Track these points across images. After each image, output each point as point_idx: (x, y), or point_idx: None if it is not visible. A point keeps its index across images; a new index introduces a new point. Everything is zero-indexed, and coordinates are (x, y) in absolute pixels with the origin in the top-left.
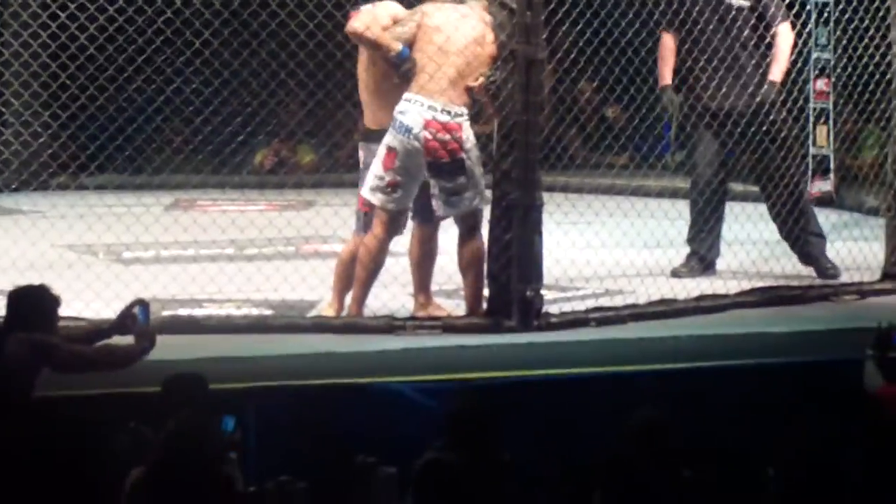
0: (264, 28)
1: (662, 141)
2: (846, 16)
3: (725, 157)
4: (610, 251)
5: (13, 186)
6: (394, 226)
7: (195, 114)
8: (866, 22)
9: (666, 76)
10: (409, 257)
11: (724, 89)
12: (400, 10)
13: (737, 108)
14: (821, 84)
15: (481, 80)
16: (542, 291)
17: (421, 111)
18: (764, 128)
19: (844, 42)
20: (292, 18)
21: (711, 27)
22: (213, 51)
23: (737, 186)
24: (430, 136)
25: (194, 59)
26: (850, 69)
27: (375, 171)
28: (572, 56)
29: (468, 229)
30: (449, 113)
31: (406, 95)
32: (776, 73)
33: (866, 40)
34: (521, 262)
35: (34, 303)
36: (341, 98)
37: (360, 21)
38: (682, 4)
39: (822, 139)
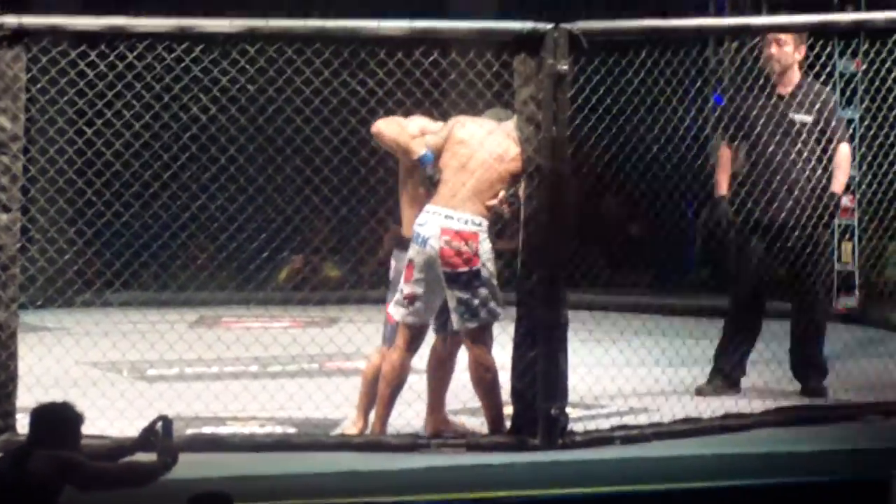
0: (290, 144)
1: (687, 259)
2: (871, 132)
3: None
4: (634, 369)
5: (38, 303)
6: (415, 341)
7: (220, 230)
8: (891, 138)
9: (723, 186)
10: (426, 372)
11: (777, 203)
12: (432, 125)
13: (789, 222)
14: (845, 200)
15: (502, 194)
16: (567, 409)
17: (438, 221)
18: (810, 242)
19: (869, 159)
20: (317, 134)
21: (774, 140)
22: (239, 166)
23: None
24: (445, 244)
25: (219, 175)
26: (874, 185)
27: (399, 284)
28: (598, 172)
29: (478, 344)
30: (466, 222)
31: (427, 207)
32: (837, 185)
33: (891, 157)
34: (545, 380)
35: (57, 420)
36: (366, 214)
37: (385, 122)
38: (746, 119)
39: (847, 255)
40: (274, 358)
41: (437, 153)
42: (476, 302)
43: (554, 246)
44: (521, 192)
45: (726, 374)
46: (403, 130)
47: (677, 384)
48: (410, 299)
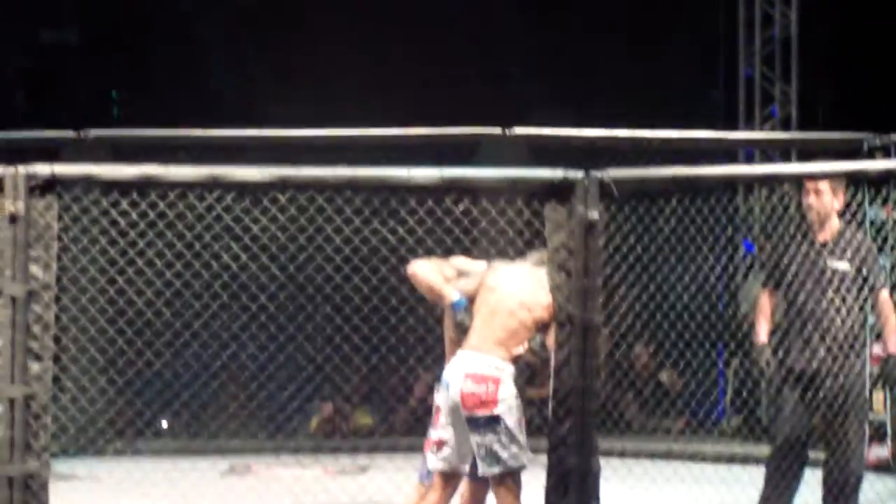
0: (320, 291)
1: (718, 406)
2: None
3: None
4: None
5: (70, 451)
6: (448, 486)
7: (251, 378)
8: None
9: (761, 334)
10: None
11: (811, 352)
12: (472, 265)
13: (822, 371)
14: (877, 349)
15: (527, 344)
16: None
17: (463, 366)
18: (844, 393)
19: None
20: (348, 282)
21: (812, 288)
22: (269, 314)
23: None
24: (466, 389)
25: (250, 323)
26: None
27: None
28: (628, 320)
29: (506, 491)
30: (489, 366)
31: (458, 352)
32: (893, 345)
33: None
34: None
35: None
36: (397, 362)
37: (421, 265)
38: (780, 265)
39: (879, 405)
40: None
41: (471, 298)
42: (497, 447)
43: (586, 394)
44: (549, 341)
45: None
46: (438, 275)
47: None
48: (439, 445)
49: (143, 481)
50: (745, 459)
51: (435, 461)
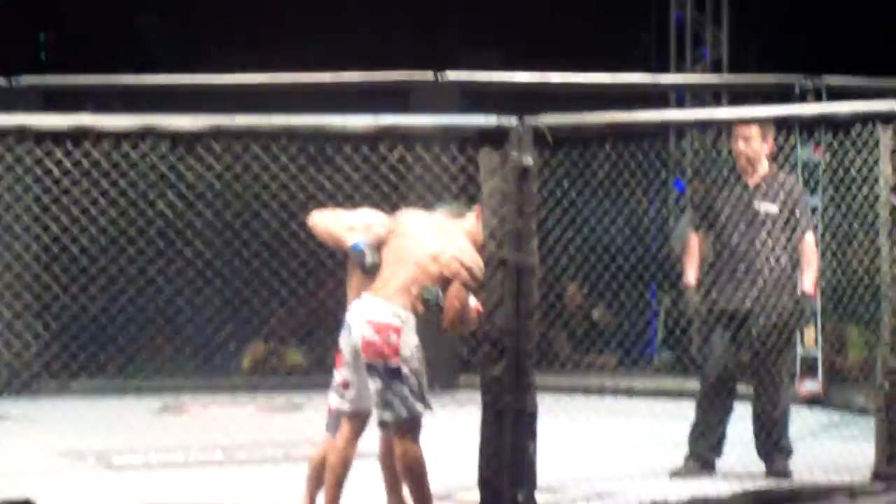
0: (257, 238)
1: (650, 342)
2: (834, 220)
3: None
4: (600, 452)
5: (3, 394)
6: (355, 427)
7: (184, 318)
8: (853, 225)
9: (690, 275)
10: (379, 460)
11: (742, 292)
12: (378, 217)
13: (753, 310)
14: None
15: (416, 291)
16: (535, 495)
17: (366, 312)
18: (773, 330)
19: (833, 246)
20: (285, 228)
21: (739, 230)
22: (203, 257)
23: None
24: (367, 336)
25: (185, 266)
26: (838, 272)
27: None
28: (562, 262)
29: (404, 435)
30: (391, 314)
31: (362, 295)
32: (808, 283)
33: (854, 243)
34: (513, 467)
35: None
36: (326, 298)
37: (318, 214)
38: (711, 208)
39: (810, 340)
40: (239, 446)
41: (380, 244)
42: (390, 396)
43: (520, 335)
44: (450, 295)
45: (701, 457)
46: (338, 221)
47: (644, 467)
48: (345, 386)
49: (77, 421)
50: (677, 394)
51: (340, 402)
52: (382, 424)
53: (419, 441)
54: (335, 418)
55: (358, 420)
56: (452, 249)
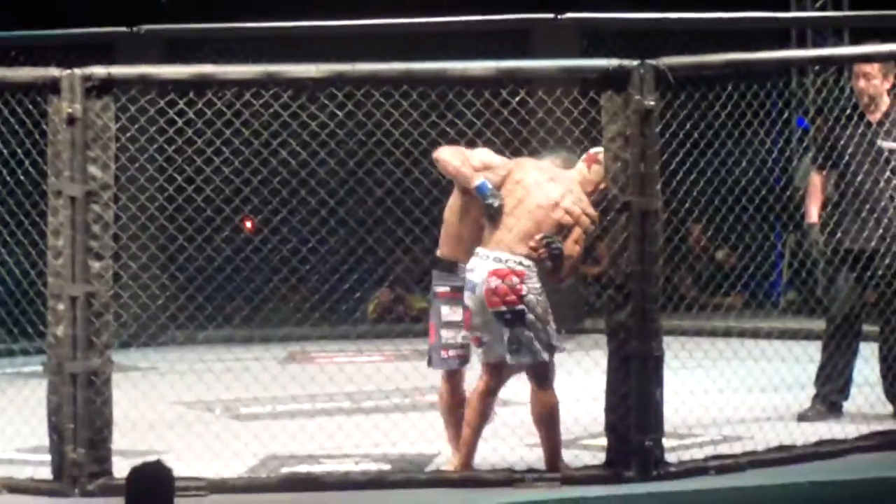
0: (380, 186)
1: (775, 283)
2: None
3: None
4: (726, 396)
5: (125, 341)
6: (496, 375)
7: (310, 270)
8: None
9: (812, 214)
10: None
11: (867, 231)
12: (496, 159)
13: (879, 250)
14: None
15: (538, 237)
16: (661, 440)
17: (486, 264)
18: None
19: None
20: (398, 166)
21: (863, 168)
22: (327, 207)
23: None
24: (491, 284)
25: (309, 216)
26: None
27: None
28: (686, 204)
29: (537, 382)
30: (513, 262)
31: (477, 250)
32: None
33: None
34: (639, 412)
35: (152, 483)
36: None
37: (445, 150)
38: (834, 148)
39: None
40: (367, 394)
41: (498, 187)
42: (518, 341)
43: (644, 279)
44: (567, 244)
45: (828, 400)
46: (466, 161)
47: (770, 410)
48: (478, 342)
49: (204, 372)
50: (803, 335)
51: (482, 357)
52: (511, 368)
53: (552, 387)
54: (435, 352)
55: (499, 369)
56: (571, 197)
